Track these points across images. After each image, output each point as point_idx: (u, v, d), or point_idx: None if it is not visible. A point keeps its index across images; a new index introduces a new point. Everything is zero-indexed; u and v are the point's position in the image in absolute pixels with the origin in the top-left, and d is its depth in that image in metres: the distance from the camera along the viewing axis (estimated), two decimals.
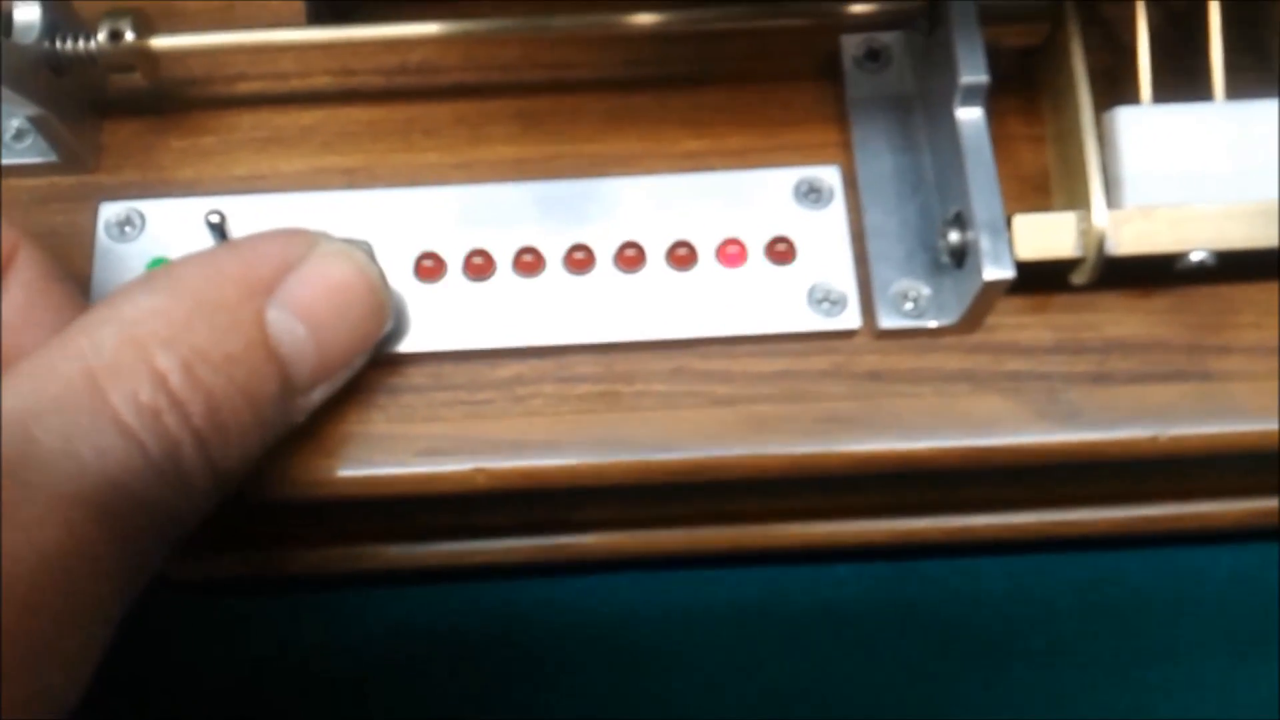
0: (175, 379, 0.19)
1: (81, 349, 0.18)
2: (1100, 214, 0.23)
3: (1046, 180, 0.26)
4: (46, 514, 0.17)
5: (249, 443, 0.20)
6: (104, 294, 0.24)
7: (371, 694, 0.27)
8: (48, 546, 0.17)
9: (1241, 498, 0.27)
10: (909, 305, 0.24)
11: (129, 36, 0.24)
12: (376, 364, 0.24)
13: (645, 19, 0.24)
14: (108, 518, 0.17)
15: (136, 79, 0.24)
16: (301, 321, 0.20)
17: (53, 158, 0.25)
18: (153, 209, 0.24)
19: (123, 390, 0.18)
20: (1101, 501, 0.27)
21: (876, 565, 0.28)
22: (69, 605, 0.17)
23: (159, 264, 0.24)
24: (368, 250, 0.24)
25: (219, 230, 0.22)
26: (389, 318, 0.22)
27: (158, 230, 0.24)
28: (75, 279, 0.24)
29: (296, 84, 0.26)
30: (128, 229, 0.24)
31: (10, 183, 0.25)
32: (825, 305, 0.24)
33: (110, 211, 0.24)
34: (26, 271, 0.21)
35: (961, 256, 0.23)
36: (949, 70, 0.23)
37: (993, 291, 0.22)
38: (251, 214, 0.24)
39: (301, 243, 0.21)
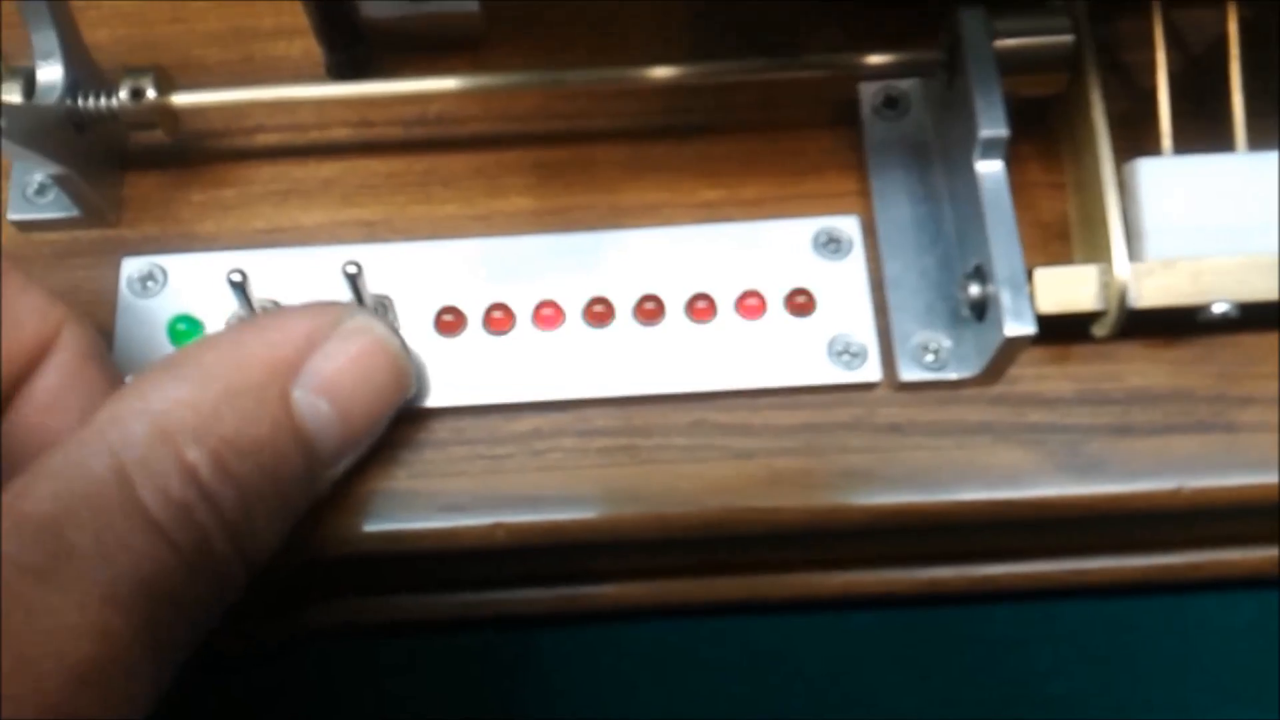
0: (205, 472, 0.18)
1: (111, 444, 0.18)
2: (1122, 266, 0.23)
3: (1066, 227, 0.25)
4: (80, 621, 0.17)
5: (276, 525, 0.20)
6: (126, 349, 0.24)
7: None
8: (82, 654, 0.16)
9: (1262, 545, 0.26)
10: (929, 357, 0.24)
11: (150, 94, 0.24)
12: (399, 420, 0.24)
13: (661, 72, 0.25)
14: (140, 618, 0.17)
15: (158, 135, 0.24)
16: (326, 399, 0.20)
17: (74, 213, 0.25)
18: (174, 264, 0.25)
19: (154, 486, 0.18)
20: (1121, 550, 0.27)
21: (894, 613, 0.28)
22: (103, 711, 0.17)
23: (181, 322, 0.24)
24: (387, 304, 0.24)
25: (241, 289, 0.22)
26: (411, 385, 0.22)
27: (179, 285, 0.24)
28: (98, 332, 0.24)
29: (315, 135, 0.26)
30: (149, 284, 0.24)
31: (32, 237, 0.25)
32: (845, 357, 0.24)
33: (132, 267, 0.25)
34: (65, 352, 0.21)
35: (982, 310, 0.23)
36: (969, 122, 0.23)
37: (1015, 347, 0.22)
38: (273, 268, 0.24)
39: (326, 319, 0.21)
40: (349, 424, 0.21)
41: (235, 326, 0.21)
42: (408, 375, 0.22)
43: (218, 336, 0.21)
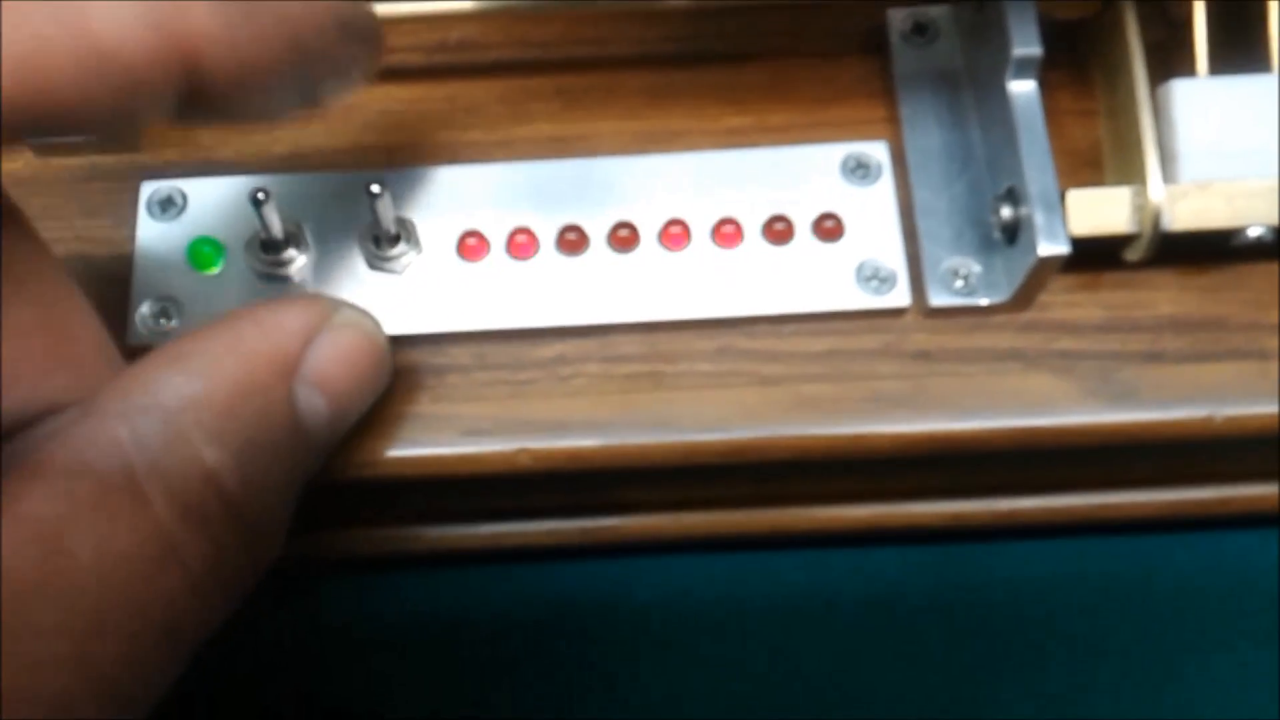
0: (227, 477, 0.17)
1: (120, 441, 0.17)
2: (1156, 189, 0.22)
3: (1097, 156, 0.25)
4: (66, 651, 0.15)
5: (285, 527, 0.20)
6: (146, 271, 0.24)
7: (408, 675, 0.27)
8: (59, 687, 0.15)
9: None
10: (959, 283, 0.24)
11: None
12: (420, 344, 0.24)
13: None
14: (132, 651, 0.16)
15: None
16: (323, 394, 0.20)
17: (93, 137, 0.25)
18: (194, 188, 0.24)
19: (169, 494, 0.17)
20: (1150, 484, 0.26)
21: (921, 549, 0.28)
22: None
23: (204, 244, 0.24)
24: (410, 227, 0.24)
25: (262, 209, 0.22)
26: (390, 377, 0.22)
27: (200, 208, 0.24)
28: (117, 257, 0.24)
29: None
30: (170, 207, 0.24)
31: (51, 162, 0.25)
32: (874, 283, 0.24)
33: (151, 190, 0.24)
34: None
35: (1014, 232, 0.23)
36: (1001, 43, 0.23)
37: (1047, 268, 0.22)
38: (294, 193, 0.24)
39: (319, 313, 0.20)
40: (339, 417, 0.20)
41: (227, 319, 0.20)
42: (390, 368, 0.22)
43: (215, 328, 0.19)
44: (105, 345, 0.19)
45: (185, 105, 0.17)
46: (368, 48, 0.20)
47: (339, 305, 0.21)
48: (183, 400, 0.18)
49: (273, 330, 0.20)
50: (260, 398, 0.19)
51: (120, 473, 0.17)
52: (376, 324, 0.22)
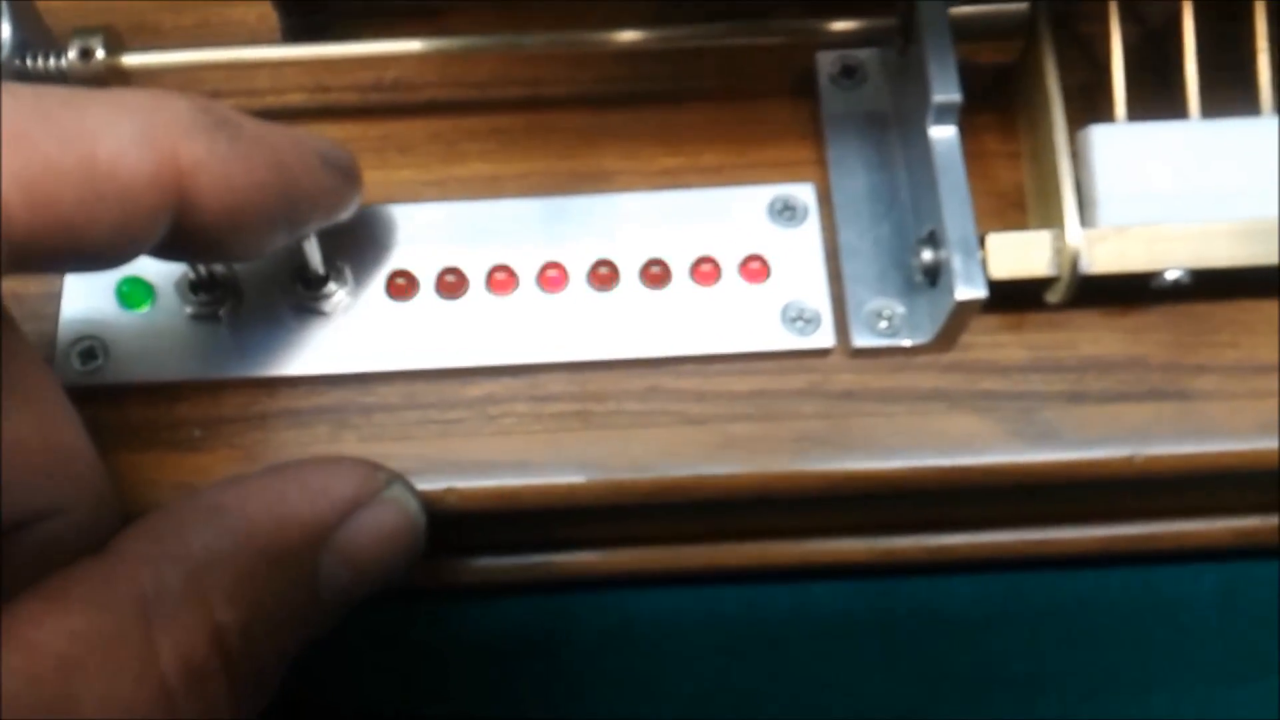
0: (233, 638, 0.18)
1: (141, 587, 0.17)
2: (1074, 233, 0.23)
3: (1022, 197, 0.25)
4: None
5: (277, 679, 0.19)
6: (73, 310, 0.24)
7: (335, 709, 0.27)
8: None
9: (1219, 517, 0.26)
10: (883, 324, 0.24)
11: (99, 55, 0.24)
12: (348, 384, 0.24)
13: (620, 37, 0.24)
14: None
15: None
16: (349, 568, 0.20)
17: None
18: None
19: (177, 647, 0.17)
20: (1078, 520, 0.27)
21: (854, 583, 0.28)
22: None
23: (127, 284, 0.24)
24: (341, 267, 0.24)
25: None
26: (420, 555, 0.22)
27: None
28: (44, 295, 0.24)
29: (271, 100, 0.26)
30: None
31: None
32: (799, 324, 0.24)
33: None
34: None
35: (935, 275, 0.23)
36: (922, 88, 0.23)
37: (966, 311, 0.22)
38: None
39: (369, 487, 0.21)
40: (358, 589, 0.20)
41: (277, 472, 0.20)
42: (421, 549, 0.22)
43: (261, 482, 0.20)
44: (91, 450, 0.19)
45: (176, 235, 0.17)
46: (349, 183, 0.21)
47: (391, 480, 0.21)
48: (209, 555, 0.18)
49: (318, 497, 0.20)
50: (286, 566, 0.19)
51: (135, 621, 0.17)
52: (420, 504, 0.22)
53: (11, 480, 0.17)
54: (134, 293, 0.24)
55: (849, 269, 0.24)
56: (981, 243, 0.23)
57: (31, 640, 0.16)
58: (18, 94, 0.16)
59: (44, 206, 0.15)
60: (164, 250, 0.18)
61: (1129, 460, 0.23)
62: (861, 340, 0.24)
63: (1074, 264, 0.23)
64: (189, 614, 0.17)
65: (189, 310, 0.24)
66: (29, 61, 0.24)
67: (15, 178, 0.15)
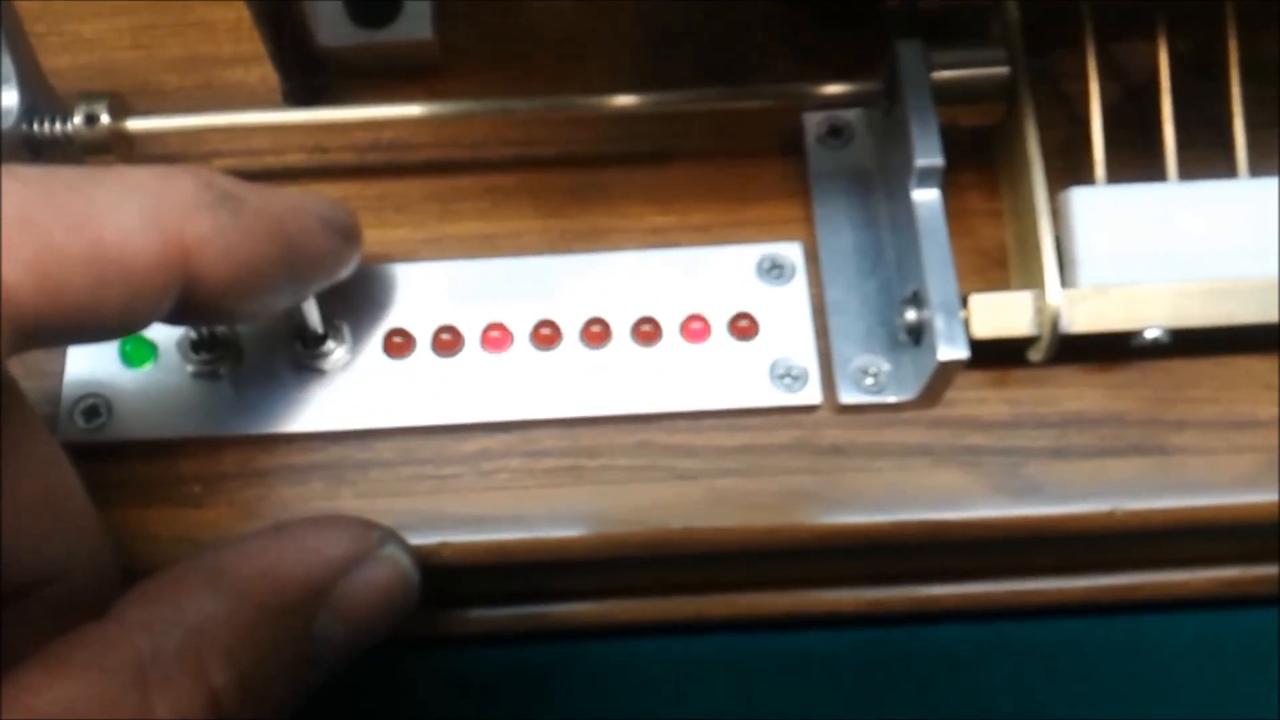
0: (228, 700, 0.18)
1: (140, 652, 0.18)
2: (1055, 293, 0.23)
3: (1005, 254, 0.26)
4: None
5: None
6: (77, 370, 0.24)
7: None
8: None
9: (1200, 568, 0.27)
10: (869, 381, 0.24)
11: (104, 119, 0.24)
12: (345, 440, 0.24)
13: (612, 101, 0.25)
14: None
15: (112, 160, 0.25)
16: (345, 625, 0.20)
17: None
18: None
19: (172, 712, 0.17)
20: (1062, 571, 0.27)
21: (844, 633, 0.28)
22: None
23: (129, 344, 0.24)
24: (338, 325, 0.24)
25: None
26: (414, 609, 0.23)
27: None
28: (48, 353, 0.25)
29: (270, 160, 0.27)
30: None
31: None
32: (787, 380, 0.24)
33: None
34: None
35: (919, 334, 0.23)
36: (906, 150, 0.24)
37: (949, 370, 0.23)
38: None
39: (364, 545, 0.21)
40: (353, 645, 0.21)
41: (272, 534, 0.21)
42: (415, 604, 0.22)
43: (256, 545, 0.20)
44: (92, 514, 0.19)
45: (182, 306, 0.18)
46: (349, 243, 0.22)
47: (386, 537, 0.22)
48: (205, 619, 0.18)
49: (313, 557, 0.20)
50: (281, 626, 0.19)
51: (132, 686, 0.17)
52: (414, 560, 0.22)
53: (12, 544, 0.17)
54: (137, 351, 0.24)
55: (836, 326, 0.25)
56: (964, 303, 0.23)
57: (28, 704, 0.16)
58: (26, 178, 0.16)
59: (53, 291, 0.16)
60: (170, 318, 0.19)
61: (1110, 514, 0.24)
62: (848, 397, 0.24)
63: (1055, 323, 0.23)
64: (185, 677, 0.18)
65: (190, 369, 0.24)
66: (35, 126, 0.24)
67: (25, 264, 0.15)
